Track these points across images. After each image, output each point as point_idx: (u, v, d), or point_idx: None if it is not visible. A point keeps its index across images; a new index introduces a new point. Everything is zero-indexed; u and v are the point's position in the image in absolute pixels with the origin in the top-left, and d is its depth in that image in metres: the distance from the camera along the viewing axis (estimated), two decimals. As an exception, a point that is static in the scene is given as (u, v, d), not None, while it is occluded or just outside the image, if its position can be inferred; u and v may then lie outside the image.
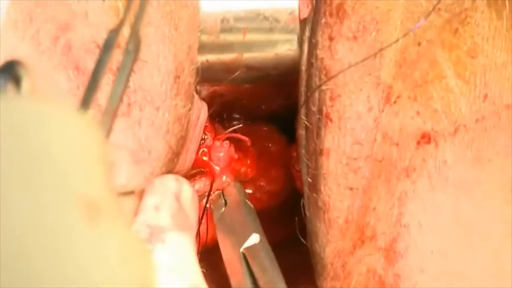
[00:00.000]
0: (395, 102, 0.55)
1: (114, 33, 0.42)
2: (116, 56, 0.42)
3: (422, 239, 0.53)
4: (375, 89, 0.55)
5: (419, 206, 0.54)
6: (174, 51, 0.54)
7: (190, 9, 0.57)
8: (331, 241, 0.56)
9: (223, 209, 0.66)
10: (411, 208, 0.54)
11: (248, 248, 0.58)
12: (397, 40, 0.55)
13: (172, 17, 0.55)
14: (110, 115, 0.41)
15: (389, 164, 0.55)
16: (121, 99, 0.42)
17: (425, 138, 0.54)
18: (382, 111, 0.55)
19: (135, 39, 0.44)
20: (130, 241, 0.34)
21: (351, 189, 0.55)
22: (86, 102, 0.38)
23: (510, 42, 0.54)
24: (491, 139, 0.54)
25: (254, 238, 0.58)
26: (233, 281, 0.57)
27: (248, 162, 0.71)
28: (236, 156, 0.70)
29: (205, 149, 0.68)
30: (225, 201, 0.66)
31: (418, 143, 0.54)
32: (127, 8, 0.44)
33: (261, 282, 0.55)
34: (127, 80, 0.42)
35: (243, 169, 0.70)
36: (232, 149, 0.69)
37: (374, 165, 0.55)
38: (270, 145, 0.72)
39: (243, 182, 0.70)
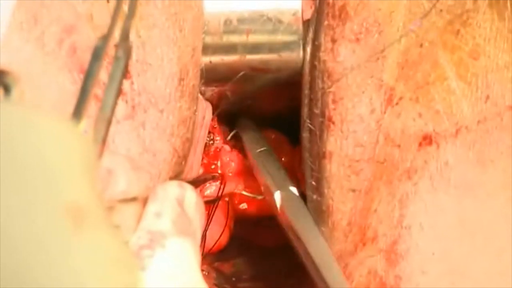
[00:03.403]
0: (397, 103, 0.55)
1: (102, 42, 0.42)
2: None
3: (423, 241, 0.54)
4: (378, 91, 0.55)
5: (420, 207, 0.54)
6: (179, 54, 0.55)
7: (194, 10, 0.56)
8: (334, 244, 0.56)
9: None
10: (412, 209, 0.54)
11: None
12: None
13: (177, 19, 0.55)
14: (104, 124, 0.41)
15: (391, 165, 0.55)
16: (114, 108, 0.42)
17: (427, 139, 0.55)
18: (384, 112, 0.55)
19: (125, 46, 0.43)
20: (115, 248, 0.35)
21: (353, 191, 0.55)
22: (77, 112, 0.38)
23: (511, 43, 0.54)
24: (493, 140, 0.54)
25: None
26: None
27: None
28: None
29: (218, 150, 0.68)
30: None
31: (420, 144, 0.55)
32: (114, 15, 0.44)
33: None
34: (119, 88, 0.42)
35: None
36: (241, 159, 0.69)
37: (376, 167, 0.55)
38: (280, 156, 0.71)
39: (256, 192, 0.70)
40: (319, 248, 0.55)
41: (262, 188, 0.64)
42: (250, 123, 0.69)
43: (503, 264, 0.53)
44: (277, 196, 0.60)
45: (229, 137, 0.70)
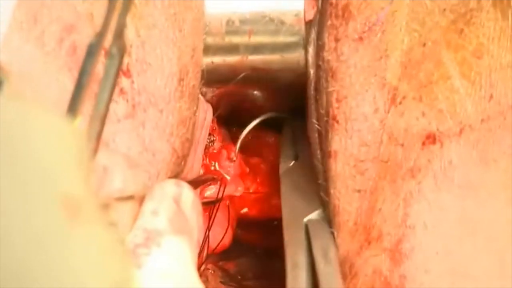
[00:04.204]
0: (400, 102, 0.55)
1: (96, 39, 0.42)
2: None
3: (427, 240, 0.53)
4: (381, 90, 0.55)
5: (424, 206, 0.54)
6: (178, 54, 0.55)
7: (194, 11, 0.57)
8: (341, 244, 0.56)
9: (293, 163, 0.66)
10: (416, 208, 0.54)
11: (311, 221, 0.58)
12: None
13: (176, 19, 0.55)
14: (98, 121, 0.41)
15: (395, 165, 0.55)
16: (108, 104, 0.42)
17: (430, 138, 0.54)
18: (388, 112, 0.55)
19: (118, 43, 0.43)
20: (109, 242, 0.34)
21: (359, 191, 0.55)
22: (72, 109, 0.38)
23: (514, 43, 0.54)
24: (496, 139, 0.54)
25: (320, 213, 0.58)
26: (289, 250, 0.56)
27: (258, 180, 0.71)
28: (247, 170, 0.70)
29: (215, 151, 0.68)
30: (297, 154, 0.66)
31: (423, 143, 0.54)
32: (109, 12, 0.44)
33: (318, 259, 0.54)
34: (113, 86, 0.42)
35: (253, 186, 0.70)
36: (241, 162, 0.69)
37: (380, 166, 0.55)
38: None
39: (256, 197, 0.70)
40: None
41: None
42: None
43: (505, 265, 0.53)
44: (318, 213, 0.59)
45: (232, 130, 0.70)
